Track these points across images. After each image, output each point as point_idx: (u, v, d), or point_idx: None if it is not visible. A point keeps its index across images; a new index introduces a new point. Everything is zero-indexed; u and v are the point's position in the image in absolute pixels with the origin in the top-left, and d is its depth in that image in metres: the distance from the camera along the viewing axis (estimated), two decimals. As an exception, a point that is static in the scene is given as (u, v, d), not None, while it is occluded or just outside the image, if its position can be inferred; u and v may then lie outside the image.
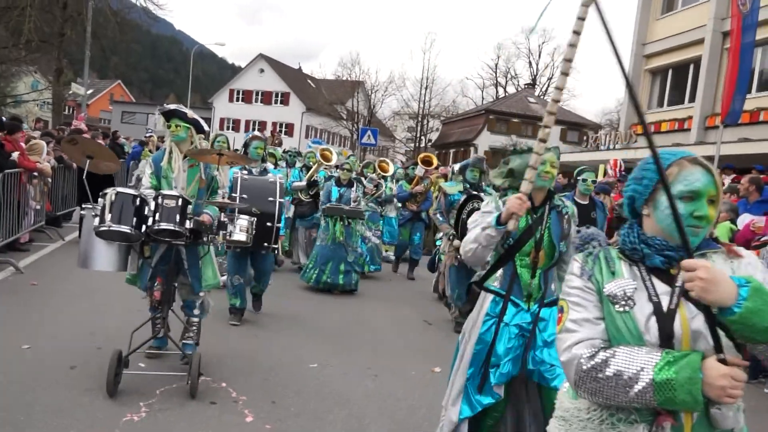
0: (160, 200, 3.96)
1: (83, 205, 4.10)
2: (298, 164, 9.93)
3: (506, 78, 50.01)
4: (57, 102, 21.45)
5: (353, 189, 8.06)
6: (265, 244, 5.57)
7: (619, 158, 16.96)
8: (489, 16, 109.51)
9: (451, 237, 6.27)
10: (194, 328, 4.63)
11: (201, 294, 4.54)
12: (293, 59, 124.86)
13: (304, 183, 8.86)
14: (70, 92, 23.32)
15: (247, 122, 47.40)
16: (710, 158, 15.63)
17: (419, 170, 9.85)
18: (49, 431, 3.44)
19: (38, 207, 8.88)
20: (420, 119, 41.86)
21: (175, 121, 4.35)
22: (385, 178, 10.49)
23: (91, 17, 18.78)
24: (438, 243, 7.51)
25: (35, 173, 8.43)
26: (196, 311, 4.61)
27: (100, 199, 3.87)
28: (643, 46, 21.76)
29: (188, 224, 4.03)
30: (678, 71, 20.64)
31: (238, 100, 48.73)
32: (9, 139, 7.65)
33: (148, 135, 15.03)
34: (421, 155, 10.69)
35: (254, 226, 4.63)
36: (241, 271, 5.87)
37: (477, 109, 42.33)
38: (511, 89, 49.21)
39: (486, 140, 37.12)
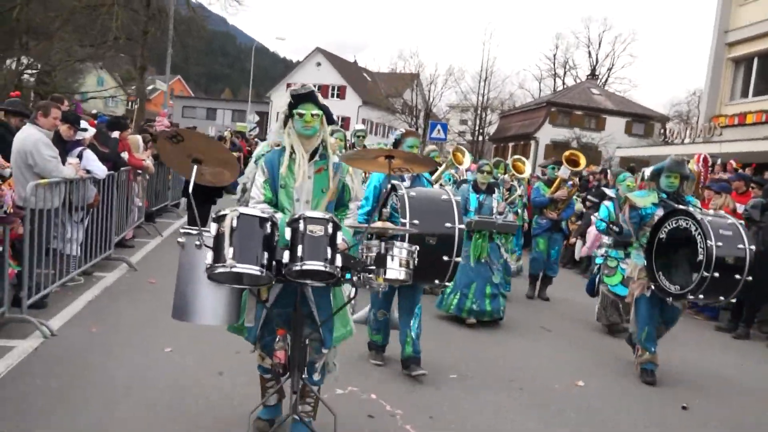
0: (301, 226, 2.79)
1: (183, 229, 2.92)
2: None
3: (564, 69, 48.85)
4: (141, 99, 21.97)
5: (494, 196, 6.66)
6: (437, 281, 4.15)
7: (704, 153, 16.16)
8: (547, 6, 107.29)
9: (644, 261, 5.04)
10: (311, 398, 3.36)
11: (325, 351, 3.31)
12: (347, 51, 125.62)
13: None
14: (150, 87, 24.16)
15: (304, 115, 47.71)
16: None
17: (563, 171, 8.24)
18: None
19: (140, 204, 9.01)
20: (479, 112, 41.21)
21: (309, 107, 3.15)
22: (519, 180, 8.95)
23: (173, 15, 19.18)
24: (598, 260, 6.75)
25: (139, 171, 8.54)
26: (317, 376, 3.33)
27: (211, 225, 2.80)
28: (725, 34, 20.70)
29: (338, 260, 2.82)
30: (765, 59, 19.54)
31: (295, 94, 49.07)
32: (119, 137, 7.74)
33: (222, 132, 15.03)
34: (567, 153, 8.76)
35: (416, 258, 3.02)
36: (386, 306, 4.82)
37: (537, 102, 41.40)
38: (569, 80, 48.06)
39: (548, 133, 36.25)
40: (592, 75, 45.37)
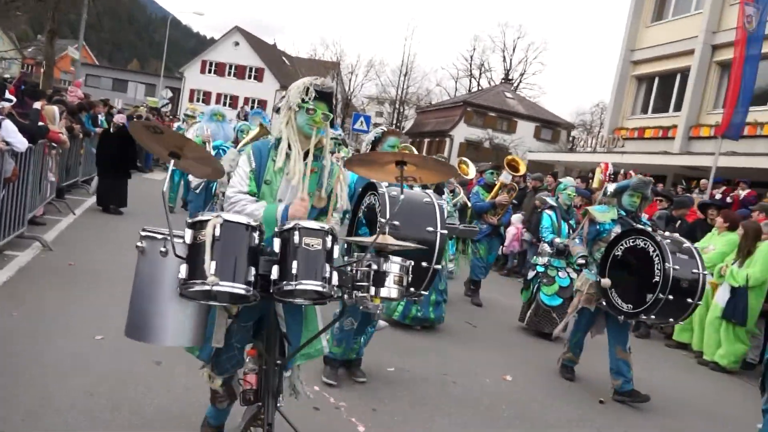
0: (296, 237, 2.40)
1: (144, 231, 2.44)
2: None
3: (480, 70, 50.34)
4: (49, 65, 20.33)
5: (444, 198, 6.18)
6: (412, 289, 3.37)
7: (609, 162, 17.20)
8: (468, 8, 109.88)
9: (595, 276, 5.03)
10: (268, 420, 2.71)
11: (287, 374, 2.97)
12: (264, 32, 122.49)
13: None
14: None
15: (219, 95, 46.28)
16: (696, 169, 16.18)
17: (505, 176, 8.21)
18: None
19: (53, 179, 8.45)
20: (398, 106, 41.68)
21: (323, 107, 2.87)
22: (463, 183, 8.75)
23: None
24: (539, 269, 6.76)
25: (54, 144, 8.00)
26: (281, 401, 2.85)
27: (186, 231, 2.34)
28: (631, 52, 22.19)
29: (335, 279, 2.46)
30: (664, 80, 21.15)
31: (210, 72, 47.42)
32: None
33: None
34: (508, 158, 8.75)
35: (410, 274, 2.63)
36: (356, 313, 4.24)
37: (454, 100, 42.44)
38: (483, 82, 49.61)
39: (462, 132, 37.31)
40: (506, 79, 47.09)
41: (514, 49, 48.89)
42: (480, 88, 47.07)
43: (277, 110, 3.01)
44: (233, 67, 47.26)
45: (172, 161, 2.52)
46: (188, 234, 2.35)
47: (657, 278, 4.45)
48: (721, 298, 6.78)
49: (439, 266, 3.67)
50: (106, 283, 5.89)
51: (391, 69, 55.01)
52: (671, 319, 4.77)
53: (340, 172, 3.05)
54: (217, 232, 2.30)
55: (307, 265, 2.39)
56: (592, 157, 21.38)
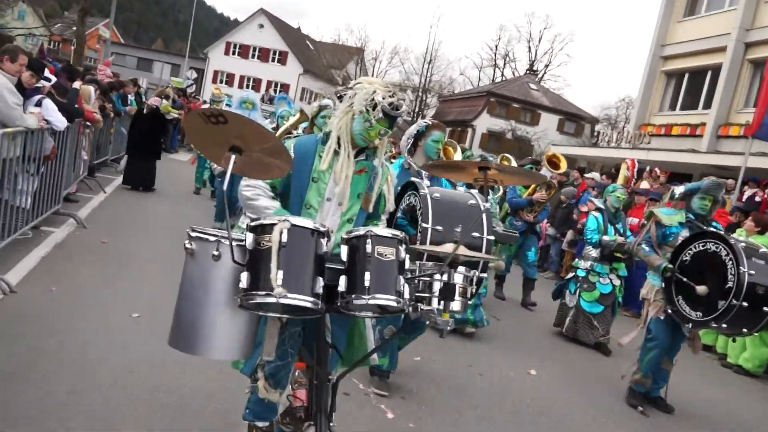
0: (368, 246, 2.21)
1: (194, 231, 2.24)
2: None
3: (504, 60, 49.89)
4: (79, 43, 20.55)
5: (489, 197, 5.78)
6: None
7: (634, 158, 16.99)
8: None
9: (667, 279, 4.62)
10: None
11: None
12: (288, 15, 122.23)
13: None
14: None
15: (242, 78, 46.44)
16: (724, 168, 15.97)
17: (544, 173, 7.86)
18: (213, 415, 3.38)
19: (86, 158, 8.60)
20: (420, 94, 41.52)
21: (383, 123, 2.65)
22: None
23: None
24: (580, 272, 6.45)
25: (89, 123, 8.13)
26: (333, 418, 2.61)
27: (247, 235, 2.17)
28: (662, 47, 21.84)
29: (407, 292, 2.25)
30: (695, 76, 20.80)
31: (234, 54, 47.53)
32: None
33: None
34: (548, 154, 8.48)
35: (474, 284, 2.55)
36: (396, 321, 3.85)
37: (478, 90, 42.17)
38: (507, 72, 49.19)
39: (485, 122, 37.09)
40: (531, 70, 46.63)
41: (540, 40, 48.45)
42: (504, 78, 46.69)
43: (339, 97, 2.84)
44: (257, 50, 47.30)
45: (232, 159, 2.20)
46: (249, 238, 2.15)
47: (730, 284, 4.10)
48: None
49: (485, 274, 3.39)
50: (138, 261, 6.02)
51: (415, 56, 54.88)
52: (744, 329, 4.27)
53: (389, 173, 2.91)
54: (284, 238, 2.09)
55: (380, 276, 2.19)
56: (616, 152, 21.15)
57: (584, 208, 9.53)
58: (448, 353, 5.31)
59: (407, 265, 2.29)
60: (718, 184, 4.86)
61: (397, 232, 2.31)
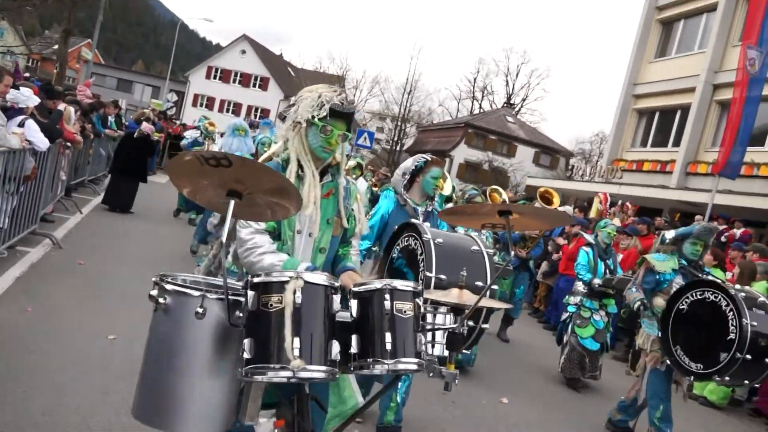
0: (386, 302, 1.99)
1: (168, 284, 1.95)
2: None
3: (483, 93, 50.86)
4: (62, 64, 20.50)
5: (483, 233, 5.78)
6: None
7: (606, 192, 17.38)
8: (474, 32, 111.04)
9: (664, 329, 4.44)
10: None
11: None
12: (271, 41, 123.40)
13: None
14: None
15: (222, 102, 46.60)
16: (692, 204, 16.42)
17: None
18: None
19: (64, 178, 8.58)
20: (400, 123, 42.04)
21: (341, 126, 2.46)
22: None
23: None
24: (571, 309, 6.27)
25: (69, 143, 8.14)
26: None
27: (249, 293, 1.89)
28: (634, 86, 22.56)
29: (436, 350, 2.14)
30: (665, 115, 21.49)
31: (215, 78, 47.71)
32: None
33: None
34: (541, 190, 8.27)
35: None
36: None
37: (456, 121, 42.85)
38: (485, 105, 50.11)
39: (463, 153, 37.64)
40: (508, 103, 47.58)
41: (517, 74, 49.52)
42: (482, 110, 47.54)
43: (282, 118, 2.53)
44: (239, 75, 47.57)
45: (231, 205, 1.88)
46: (251, 297, 1.87)
47: (732, 335, 3.97)
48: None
49: (487, 325, 3.12)
50: (115, 283, 6.01)
51: (395, 86, 55.50)
52: (746, 381, 4.18)
53: (357, 191, 2.72)
54: (299, 300, 1.84)
55: (400, 336, 1.95)
56: (589, 186, 21.64)
57: (561, 241, 9.72)
58: (421, 382, 5.36)
59: (429, 318, 2.11)
60: (710, 230, 4.78)
61: (415, 284, 2.11)
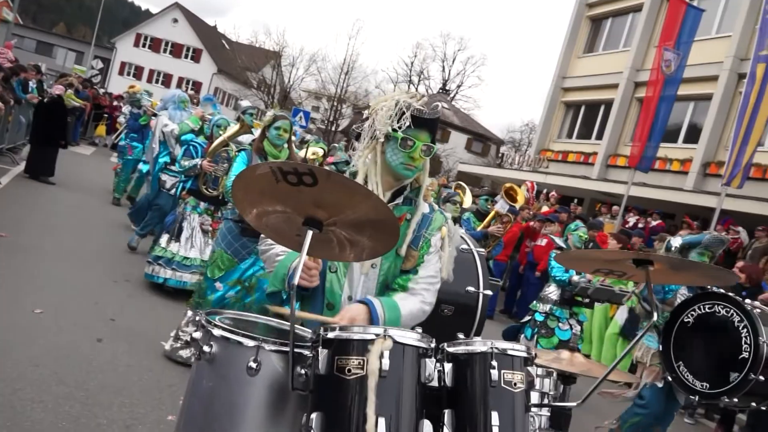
0: (493, 372, 1.63)
1: (215, 328, 1.64)
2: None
3: (419, 77, 51.26)
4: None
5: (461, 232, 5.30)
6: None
7: (533, 181, 18.06)
8: (413, 16, 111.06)
9: (658, 345, 4.14)
10: None
11: None
12: (206, 12, 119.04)
13: None
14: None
15: (151, 72, 44.83)
16: (611, 195, 17.40)
17: (501, 205, 7.17)
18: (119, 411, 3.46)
19: (-18, 146, 8.17)
20: (336, 104, 41.83)
21: (425, 137, 2.04)
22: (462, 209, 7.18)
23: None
24: (538, 317, 5.57)
25: (-12, 110, 7.76)
26: None
27: (321, 352, 1.53)
28: (563, 79, 23.45)
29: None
30: (590, 108, 22.50)
31: (144, 46, 45.74)
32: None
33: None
34: (506, 186, 7.69)
35: None
36: None
37: (392, 104, 43.03)
38: (421, 89, 50.54)
39: (397, 136, 37.95)
40: (443, 89, 48.21)
41: (453, 61, 50.14)
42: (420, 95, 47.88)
43: (356, 137, 2.25)
44: (170, 45, 45.82)
45: (308, 238, 1.54)
46: (322, 357, 1.51)
47: (745, 354, 3.65)
48: (620, 317, 7.51)
49: (479, 339, 2.47)
50: (39, 256, 5.88)
51: (332, 66, 54.98)
52: (753, 404, 3.80)
53: (446, 223, 2.17)
54: (386, 365, 1.46)
55: (509, 416, 1.58)
56: (518, 174, 22.42)
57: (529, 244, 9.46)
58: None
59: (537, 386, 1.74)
60: (720, 240, 4.51)
61: (531, 349, 1.74)
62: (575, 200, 17.52)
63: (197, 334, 1.64)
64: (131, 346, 4.37)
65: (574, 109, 23.47)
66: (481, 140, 40.31)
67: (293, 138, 7.40)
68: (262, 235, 2.11)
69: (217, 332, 1.60)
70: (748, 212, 13.04)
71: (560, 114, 23.64)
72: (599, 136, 21.24)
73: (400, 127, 2.00)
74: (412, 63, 50.70)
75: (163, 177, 7.26)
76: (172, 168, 7.13)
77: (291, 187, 1.46)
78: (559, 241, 6.36)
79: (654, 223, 13.81)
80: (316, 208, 1.52)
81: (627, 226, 13.43)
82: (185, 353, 4.28)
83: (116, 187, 10.23)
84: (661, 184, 16.72)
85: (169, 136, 7.22)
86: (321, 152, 7.07)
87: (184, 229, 5.96)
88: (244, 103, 8.46)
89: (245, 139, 6.15)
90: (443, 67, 50.48)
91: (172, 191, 7.09)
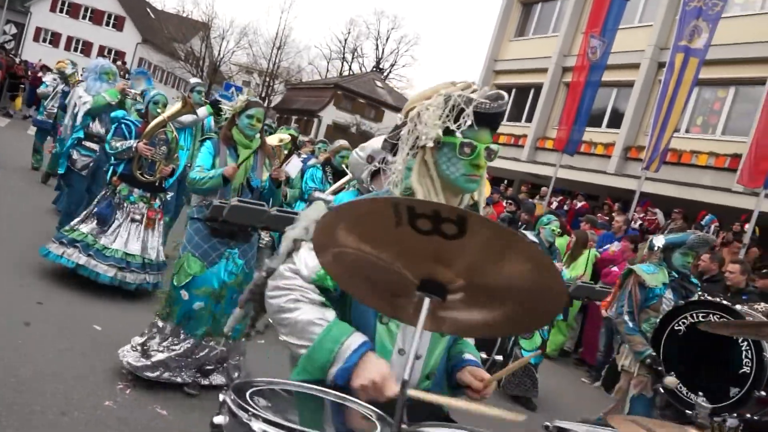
0: None
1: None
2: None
3: (353, 55, 50.94)
4: None
5: None
6: None
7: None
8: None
9: (647, 359, 3.94)
10: None
11: None
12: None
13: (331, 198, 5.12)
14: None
15: (69, 39, 42.33)
16: (540, 177, 18.02)
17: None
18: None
19: None
20: (268, 79, 40.96)
21: (486, 137, 1.63)
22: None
23: None
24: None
25: None
26: None
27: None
28: (494, 62, 23.92)
29: None
30: (521, 92, 23.06)
31: (62, 11, 42.97)
32: None
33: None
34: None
35: None
36: None
37: (326, 82, 42.62)
38: (355, 67, 50.31)
39: (331, 114, 37.68)
40: (377, 67, 48.12)
41: (387, 39, 50.09)
42: (351, 72, 47.66)
43: (392, 148, 1.73)
44: (89, 11, 43.27)
45: (426, 308, 1.17)
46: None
47: (746, 369, 3.49)
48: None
49: (499, 357, 2.53)
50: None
51: (264, 40, 53.58)
52: (748, 415, 3.61)
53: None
54: None
55: None
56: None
57: None
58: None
59: None
60: (705, 241, 4.35)
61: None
62: (505, 181, 18.09)
63: (219, 419, 1.24)
64: (61, 330, 4.21)
65: (505, 91, 23.69)
66: (415, 120, 40.60)
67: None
68: (284, 282, 1.60)
69: (259, 428, 1.13)
70: (665, 195, 13.86)
71: (492, 96, 24.06)
72: (529, 119, 21.86)
73: (458, 128, 1.59)
74: (345, 40, 50.37)
75: (74, 155, 6.38)
76: (87, 145, 6.38)
77: (416, 234, 1.04)
78: (531, 236, 5.92)
79: (579, 204, 14.46)
80: (436, 264, 1.09)
81: (552, 206, 13.99)
82: (136, 361, 3.71)
83: (50, 164, 9.50)
84: (586, 167, 17.45)
85: (79, 108, 6.33)
86: (288, 138, 6.21)
87: (114, 218, 5.29)
88: (194, 80, 8.00)
89: (187, 119, 5.89)
90: (377, 45, 50.43)
91: (84, 172, 6.34)
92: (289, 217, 3.49)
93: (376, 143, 2.97)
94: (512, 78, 23.24)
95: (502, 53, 23.80)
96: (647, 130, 15.17)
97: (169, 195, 6.55)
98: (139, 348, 3.77)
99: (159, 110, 5.32)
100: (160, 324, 3.87)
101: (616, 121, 18.58)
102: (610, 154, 17.77)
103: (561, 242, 8.24)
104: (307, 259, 1.59)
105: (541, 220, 6.19)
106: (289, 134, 6.64)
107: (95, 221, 5.28)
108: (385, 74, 48.40)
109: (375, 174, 2.89)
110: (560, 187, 15.20)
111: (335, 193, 5.17)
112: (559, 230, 6.09)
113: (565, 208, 14.39)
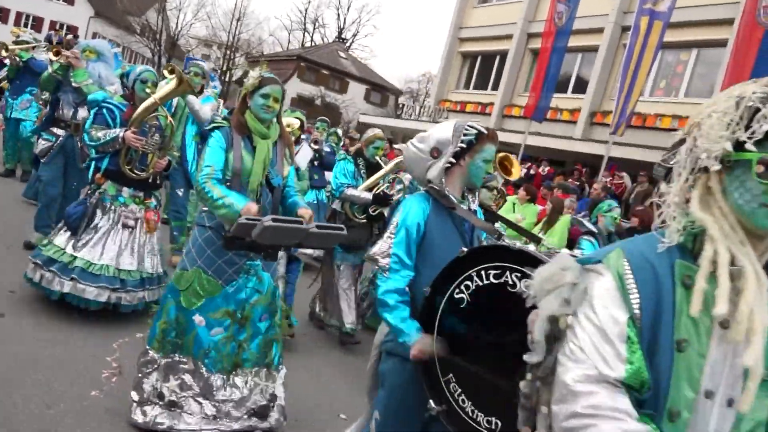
0: None
1: None
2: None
3: (314, 25, 50.02)
4: None
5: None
6: None
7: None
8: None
9: None
10: None
11: None
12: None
13: (368, 196, 4.94)
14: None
15: (19, 15, 40.42)
16: (508, 145, 18.13)
17: (497, 181, 6.22)
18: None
19: None
20: (228, 52, 40.00)
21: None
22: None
23: None
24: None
25: None
26: None
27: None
28: (459, 29, 23.77)
29: None
30: (486, 59, 23.04)
31: (7, -15, 41.01)
32: None
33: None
34: (500, 155, 6.03)
35: None
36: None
37: (288, 54, 41.80)
38: (317, 37, 49.46)
39: (295, 87, 37.03)
40: (339, 37, 47.39)
41: (348, 8, 49.42)
42: (313, 43, 46.85)
43: (665, 176, 1.34)
44: (37, -16, 41.38)
45: None
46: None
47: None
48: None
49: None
50: None
51: (223, 11, 52.15)
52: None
53: None
54: None
55: None
56: (417, 124, 22.71)
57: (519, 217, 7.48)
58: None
59: None
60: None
61: None
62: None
63: None
64: (37, 319, 4.09)
65: (470, 59, 23.91)
66: (380, 91, 40.28)
67: (213, 92, 6.41)
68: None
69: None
70: (631, 158, 14.08)
71: (457, 64, 24.03)
72: (495, 87, 21.87)
73: (751, 137, 1.17)
74: (306, 10, 49.36)
75: (41, 142, 5.71)
76: (54, 131, 5.75)
77: None
78: (589, 225, 5.38)
79: (546, 169, 14.63)
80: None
81: (522, 173, 14.10)
82: (153, 412, 3.05)
83: (5, 155, 8.77)
84: (553, 133, 17.60)
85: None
86: (297, 123, 5.22)
87: (98, 226, 4.28)
88: (208, 65, 7.04)
89: (204, 112, 5.25)
90: (338, 15, 49.68)
91: (44, 159, 5.62)
92: (332, 234, 2.98)
93: (438, 133, 2.48)
94: (477, 45, 23.17)
95: (467, 20, 23.64)
96: (613, 95, 15.33)
97: (180, 191, 6.15)
98: (134, 397, 3.09)
99: (148, 90, 4.34)
100: (153, 356, 3.11)
101: (581, 86, 18.72)
102: (576, 120, 17.94)
103: (531, 210, 8.30)
104: (599, 346, 1.17)
105: (600, 206, 5.59)
106: (296, 118, 5.51)
107: (66, 228, 4.32)
108: (347, 44, 47.73)
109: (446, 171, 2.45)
110: (527, 154, 15.31)
111: (369, 189, 4.94)
112: (619, 218, 5.41)
113: (531, 172, 14.54)
